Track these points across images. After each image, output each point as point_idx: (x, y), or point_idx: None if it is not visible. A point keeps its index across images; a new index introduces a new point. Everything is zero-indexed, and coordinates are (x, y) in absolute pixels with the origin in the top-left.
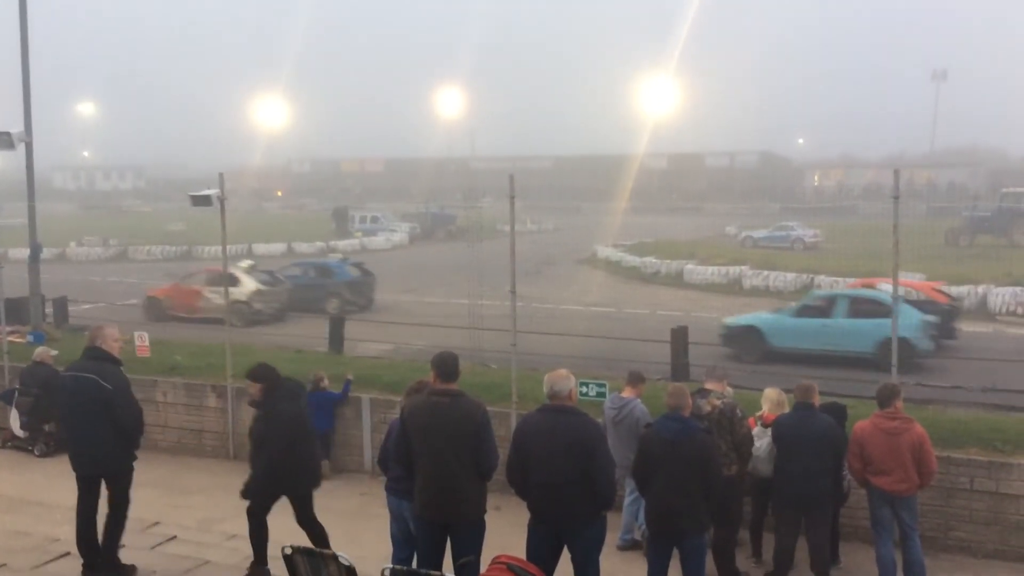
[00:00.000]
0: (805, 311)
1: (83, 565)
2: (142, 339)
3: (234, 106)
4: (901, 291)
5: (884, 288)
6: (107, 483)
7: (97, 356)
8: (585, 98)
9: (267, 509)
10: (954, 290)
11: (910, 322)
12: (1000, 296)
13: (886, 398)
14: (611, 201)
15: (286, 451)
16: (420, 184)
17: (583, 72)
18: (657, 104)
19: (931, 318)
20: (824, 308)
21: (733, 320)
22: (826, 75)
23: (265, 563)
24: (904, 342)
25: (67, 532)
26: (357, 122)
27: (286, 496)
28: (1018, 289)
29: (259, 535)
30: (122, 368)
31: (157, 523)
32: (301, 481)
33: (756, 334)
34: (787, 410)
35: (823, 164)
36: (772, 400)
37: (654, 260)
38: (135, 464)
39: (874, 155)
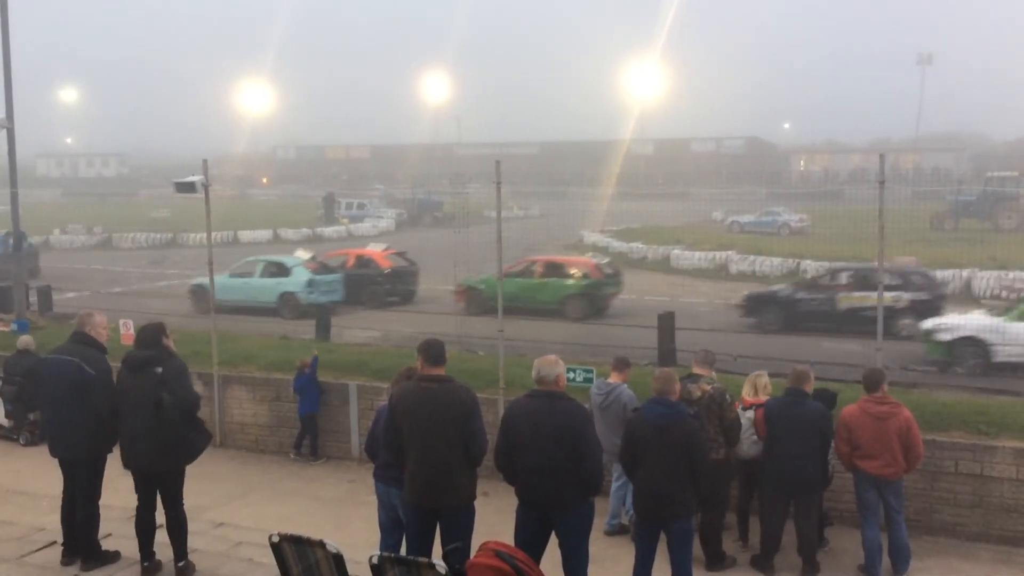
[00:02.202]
0: (237, 272)
1: (63, 547)
2: (127, 327)
3: (219, 92)
4: (304, 257)
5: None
6: (78, 469)
7: (83, 341)
8: (571, 84)
9: (148, 493)
10: (939, 274)
11: (298, 280)
12: (984, 280)
13: (873, 383)
14: (598, 187)
15: (145, 424)
16: (406, 170)
17: (569, 58)
18: (643, 90)
19: (327, 277)
20: (248, 271)
21: (193, 281)
22: (812, 60)
23: (151, 556)
24: (291, 295)
25: (52, 521)
26: (343, 108)
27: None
28: (1002, 273)
29: (143, 524)
30: (106, 356)
31: None
32: (158, 457)
33: (203, 290)
34: (761, 394)
35: (809, 149)
36: (751, 384)
37: (641, 246)
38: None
39: (860, 140)
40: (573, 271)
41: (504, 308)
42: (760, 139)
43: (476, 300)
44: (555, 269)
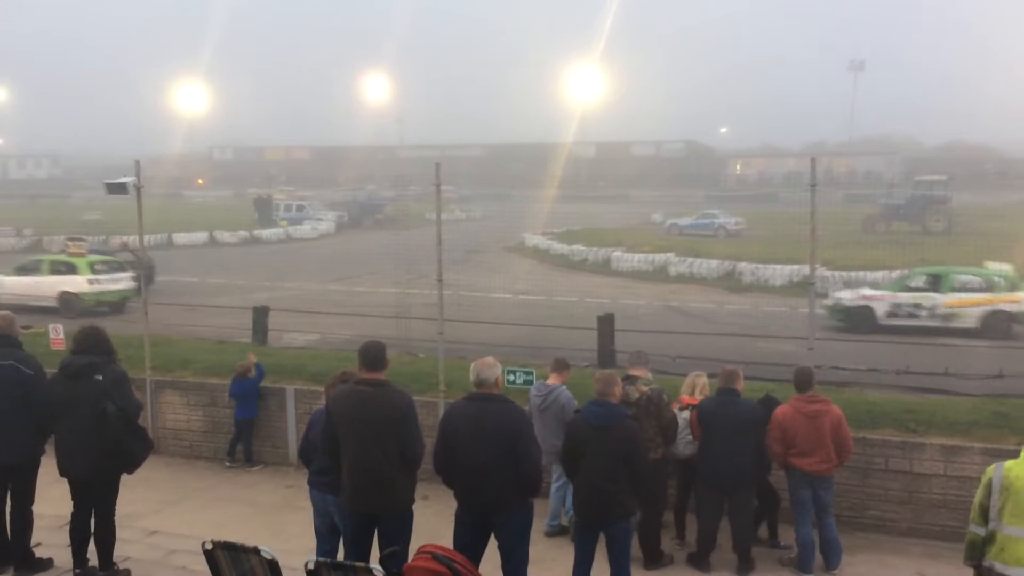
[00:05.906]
0: None
1: None
2: (57, 331)
3: (156, 92)
4: None
5: None
6: (13, 474)
7: (9, 343)
8: (516, 86)
9: (85, 501)
10: (869, 276)
11: None
12: None
13: (804, 382)
14: (540, 189)
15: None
16: (348, 172)
17: (512, 61)
18: (585, 93)
19: None
20: None
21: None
22: (747, 66)
23: (84, 563)
24: None
25: None
26: (283, 109)
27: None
28: None
29: (78, 532)
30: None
31: None
32: (98, 466)
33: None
34: (698, 395)
35: (745, 153)
36: (690, 384)
37: (582, 248)
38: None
39: (795, 144)
40: None
41: None
42: (698, 143)
43: None
44: None
